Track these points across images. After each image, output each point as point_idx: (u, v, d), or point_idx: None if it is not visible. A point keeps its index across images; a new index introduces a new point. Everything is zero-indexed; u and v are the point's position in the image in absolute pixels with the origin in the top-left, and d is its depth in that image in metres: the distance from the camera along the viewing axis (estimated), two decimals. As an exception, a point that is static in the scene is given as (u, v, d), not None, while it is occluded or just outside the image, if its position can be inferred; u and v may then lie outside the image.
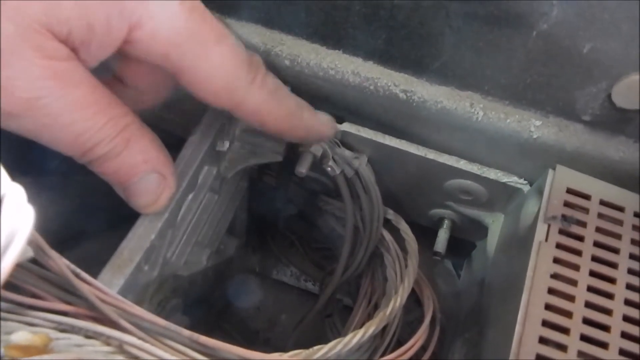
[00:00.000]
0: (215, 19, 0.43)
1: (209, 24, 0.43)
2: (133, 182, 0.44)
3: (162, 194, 0.46)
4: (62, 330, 0.36)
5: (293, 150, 0.59)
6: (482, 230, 0.65)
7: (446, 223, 0.68)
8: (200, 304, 0.65)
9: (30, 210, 0.31)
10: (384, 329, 0.59)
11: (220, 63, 0.43)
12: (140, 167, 0.44)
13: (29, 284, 0.36)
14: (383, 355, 0.58)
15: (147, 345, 0.37)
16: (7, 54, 0.36)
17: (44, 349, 0.33)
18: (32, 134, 0.39)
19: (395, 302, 0.54)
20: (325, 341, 0.47)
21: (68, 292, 0.37)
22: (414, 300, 0.67)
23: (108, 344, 0.37)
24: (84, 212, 0.64)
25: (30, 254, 0.34)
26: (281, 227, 0.85)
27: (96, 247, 0.62)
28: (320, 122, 0.54)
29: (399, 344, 0.56)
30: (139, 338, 0.37)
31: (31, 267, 0.36)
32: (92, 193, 0.60)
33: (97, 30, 0.38)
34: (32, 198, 0.33)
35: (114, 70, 0.47)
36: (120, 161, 0.43)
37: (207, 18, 0.43)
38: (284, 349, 0.46)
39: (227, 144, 0.54)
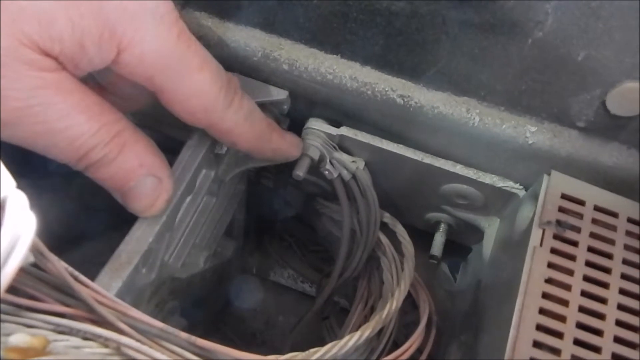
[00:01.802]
0: (199, 44, 0.45)
1: (193, 50, 0.45)
2: (130, 187, 0.45)
3: (159, 197, 0.47)
4: (60, 332, 0.36)
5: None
6: (478, 234, 0.66)
7: (442, 227, 0.68)
8: (198, 306, 0.65)
9: (32, 216, 0.32)
10: (380, 332, 0.59)
11: (200, 87, 0.45)
12: (136, 172, 0.45)
13: (28, 286, 0.37)
14: (379, 357, 0.59)
15: (144, 348, 0.37)
16: None
17: (42, 350, 0.33)
18: (27, 142, 0.40)
19: (392, 306, 0.55)
20: (322, 343, 0.48)
21: (66, 294, 0.38)
22: (411, 303, 0.67)
23: (106, 346, 0.37)
24: (84, 213, 0.64)
25: (31, 259, 0.34)
26: (279, 230, 0.85)
27: (97, 248, 0.62)
28: (287, 144, 0.57)
29: (396, 345, 0.56)
30: (137, 340, 0.38)
31: (30, 270, 0.36)
32: (92, 194, 0.60)
33: (87, 49, 0.40)
34: (33, 200, 0.34)
35: (95, 78, 0.48)
36: (116, 166, 0.44)
37: (192, 44, 0.45)
38: (281, 351, 0.46)
39: (225, 148, 0.55)
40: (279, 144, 0.55)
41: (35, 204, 0.33)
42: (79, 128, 0.41)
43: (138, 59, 0.42)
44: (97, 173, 0.44)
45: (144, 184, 0.46)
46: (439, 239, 0.68)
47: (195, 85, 0.45)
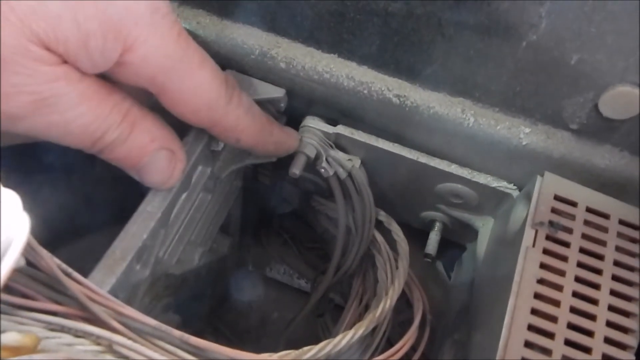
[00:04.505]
0: (196, 43, 0.46)
1: (193, 49, 0.45)
2: (145, 163, 0.47)
3: (175, 168, 0.49)
4: (52, 330, 0.36)
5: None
6: (472, 233, 0.66)
7: (437, 225, 0.68)
8: (193, 302, 0.65)
9: (26, 218, 0.32)
10: (374, 330, 0.59)
11: (202, 84, 0.46)
12: (149, 147, 0.46)
13: (20, 284, 0.37)
14: (373, 355, 0.59)
15: (137, 346, 0.37)
16: (11, 64, 0.37)
17: (34, 349, 0.33)
18: (41, 133, 0.41)
19: (385, 304, 0.55)
20: (317, 341, 0.48)
21: (58, 291, 0.38)
22: (405, 301, 0.67)
23: (98, 344, 0.37)
24: (85, 207, 0.64)
25: (23, 262, 0.34)
26: (275, 226, 0.85)
27: (97, 242, 0.62)
28: (287, 136, 0.58)
29: (390, 344, 0.56)
30: (129, 338, 0.38)
31: (22, 267, 0.37)
32: (93, 188, 0.61)
33: (91, 50, 0.40)
34: (35, 194, 0.34)
35: None
36: (130, 144, 0.45)
37: (191, 43, 0.45)
38: (276, 348, 0.47)
39: (221, 144, 0.55)
40: (281, 137, 0.56)
41: (35, 198, 0.33)
42: (92, 113, 0.42)
43: (142, 59, 0.42)
44: (111, 154, 0.45)
45: (158, 158, 0.47)
46: (433, 238, 0.68)
47: (197, 83, 0.46)
